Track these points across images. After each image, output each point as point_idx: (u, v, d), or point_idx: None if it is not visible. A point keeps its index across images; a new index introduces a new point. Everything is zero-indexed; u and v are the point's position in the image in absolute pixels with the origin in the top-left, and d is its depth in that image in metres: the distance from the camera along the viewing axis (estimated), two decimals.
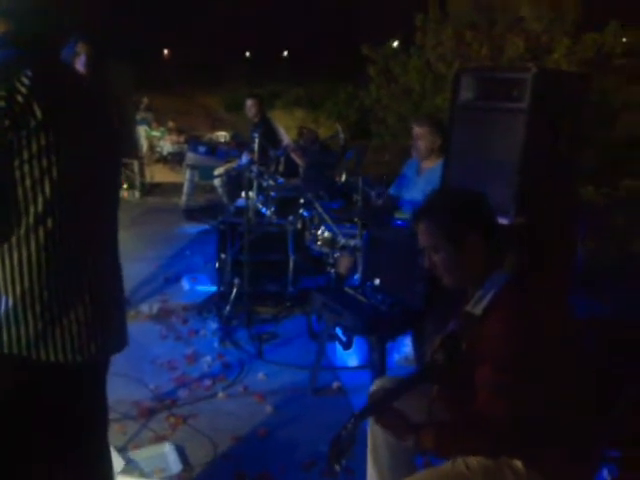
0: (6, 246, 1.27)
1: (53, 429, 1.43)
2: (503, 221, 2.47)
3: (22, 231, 1.27)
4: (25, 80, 1.24)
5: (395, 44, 7.95)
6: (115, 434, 2.57)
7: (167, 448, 2.57)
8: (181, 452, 2.56)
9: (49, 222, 1.29)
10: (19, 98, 1.22)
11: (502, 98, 2.67)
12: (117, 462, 2.31)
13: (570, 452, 1.67)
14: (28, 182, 1.25)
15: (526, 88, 2.54)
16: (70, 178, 1.32)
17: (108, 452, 1.71)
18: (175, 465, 2.46)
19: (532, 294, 1.74)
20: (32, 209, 1.27)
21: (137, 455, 2.52)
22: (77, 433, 1.52)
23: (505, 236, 2.24)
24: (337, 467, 1.63)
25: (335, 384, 3.23)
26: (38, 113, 1.24)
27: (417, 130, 3.75)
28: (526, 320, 1.63)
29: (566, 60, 5.60)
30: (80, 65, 2.79)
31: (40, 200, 1.27)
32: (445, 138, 3.39)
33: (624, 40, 5.90)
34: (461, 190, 1.98)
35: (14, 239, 1.27)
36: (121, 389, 2.84)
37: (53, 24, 1.40)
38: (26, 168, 1.24)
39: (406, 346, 3.31)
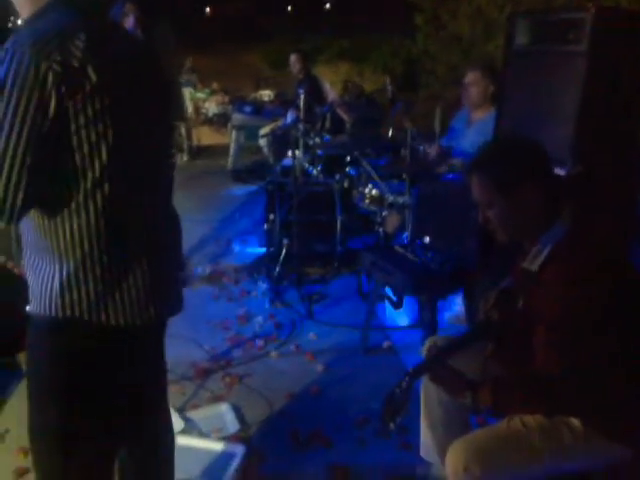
0: (66, 212, 1.27)
1: (117, 393, 1.46)
2: (560, 172, 2.35)
3: (81, 197, 1.27)
4: (79, 43, 1.22)
5: None
6: (174, 395, 2.62)
7: (224, 408, 2.62)
8: (237, 411, 2.61)
9: (106, 187, 1.28)
10: (74, 62, 1.20)
11: (559, 41, 2.50)
12: (177, 422, 2.36)
13: (628, 410, 1.61)
14: (86, 148, 1.24)
15: (585, 29, 2.37)
16: (125, 141, 1.30)
17: (169, 414, 1.75)
18: (232, 424, 2.52)
19: (590, 248, 1.66)
20: (90, 174, 1.26)
21: (195, 415, 2.58)
22: (139, 396, 1.55)
23: (563, 187, 2.14)
24: (391, 425, 1.64)
25: (386, 343, 3.22)
26: (93, 76, 1.22)
27: (470, 76, 3.60)
28: (582, 276, 1.56)
29: None
30: (128, 26, 2.77)
31: (97, 165, 1.26)
32: (498, 85, 3.24)
33: None
34: (514, 139, 1.88)
35: (73, 204, 1.27)
36: (178, 350, 2.89)
37: None
38: (83, 133, 1.23)
39: (457, 305, 3.25)
